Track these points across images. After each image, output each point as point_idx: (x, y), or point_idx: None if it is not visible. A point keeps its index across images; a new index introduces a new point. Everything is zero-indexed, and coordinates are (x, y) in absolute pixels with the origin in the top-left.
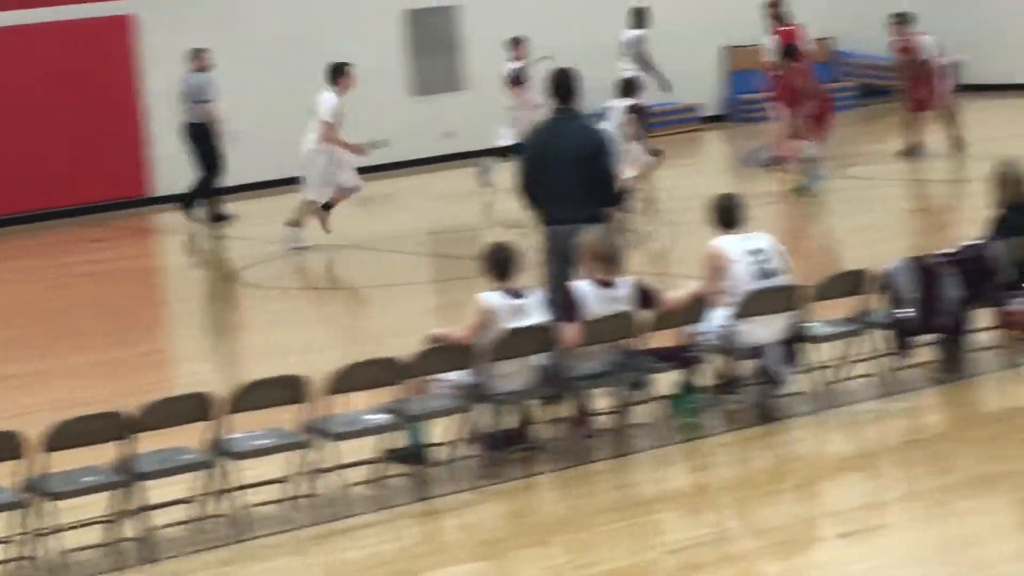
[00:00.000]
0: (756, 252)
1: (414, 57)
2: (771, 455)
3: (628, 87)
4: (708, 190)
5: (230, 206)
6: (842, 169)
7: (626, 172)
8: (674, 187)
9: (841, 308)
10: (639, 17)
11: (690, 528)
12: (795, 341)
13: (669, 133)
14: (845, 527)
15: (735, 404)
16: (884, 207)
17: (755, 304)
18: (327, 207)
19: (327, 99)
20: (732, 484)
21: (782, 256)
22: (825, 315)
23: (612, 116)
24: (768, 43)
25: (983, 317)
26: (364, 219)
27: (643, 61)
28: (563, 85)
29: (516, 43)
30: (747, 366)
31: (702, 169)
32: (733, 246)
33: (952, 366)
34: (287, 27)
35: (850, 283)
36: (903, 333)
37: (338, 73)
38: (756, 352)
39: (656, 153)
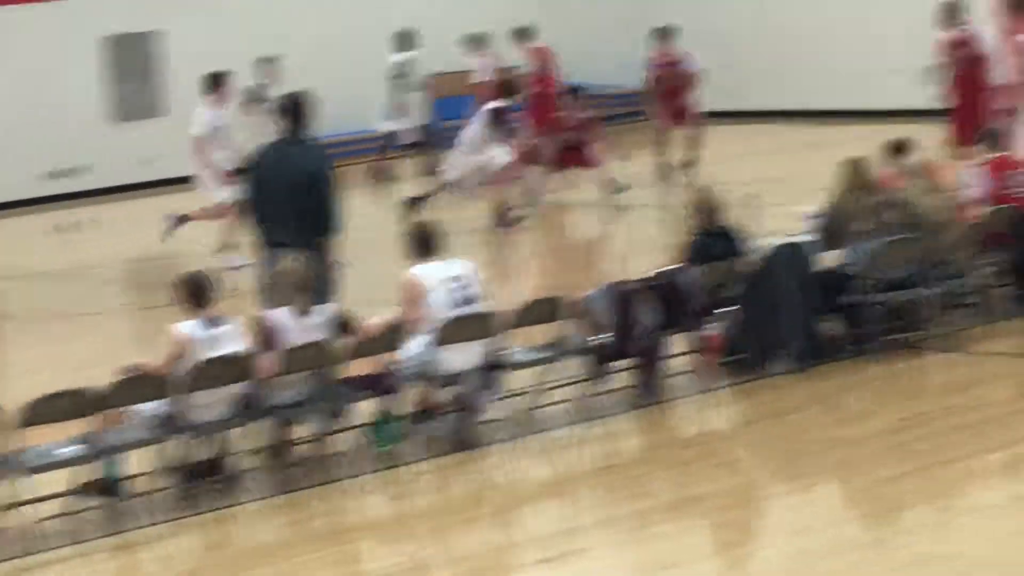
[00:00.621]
0: (454, 279)
1: (114, 83)
2: (470, 482)
3: (504, 88)
4: (411, 217)
5: None
6: (550, 195)
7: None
8: (376, 213)
9: (539, 334)
10: (405, 40)
11: (389, 556)
12: (493, 368)
13: (371, 160)
14: (544, 553)
15: (434, 432)
16: (587, 233)
17: (453, 331)
18: (184, 219)
19: (199, 113)
20: (431, 512)
21: (480, 283)
22: (523, 342)
23: (478, 118)
24: (477, 68)
25: (678, 342)
26: (62, 246)
27: (400, 85)
28: (292, 109)
29: (266, 63)
30: (446, 393)
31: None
32: (431, 274)
33: (648, 391)
34: None
35: (548, 309)
36: (600, 359)
37: (213, 84)
38: (454, 379)
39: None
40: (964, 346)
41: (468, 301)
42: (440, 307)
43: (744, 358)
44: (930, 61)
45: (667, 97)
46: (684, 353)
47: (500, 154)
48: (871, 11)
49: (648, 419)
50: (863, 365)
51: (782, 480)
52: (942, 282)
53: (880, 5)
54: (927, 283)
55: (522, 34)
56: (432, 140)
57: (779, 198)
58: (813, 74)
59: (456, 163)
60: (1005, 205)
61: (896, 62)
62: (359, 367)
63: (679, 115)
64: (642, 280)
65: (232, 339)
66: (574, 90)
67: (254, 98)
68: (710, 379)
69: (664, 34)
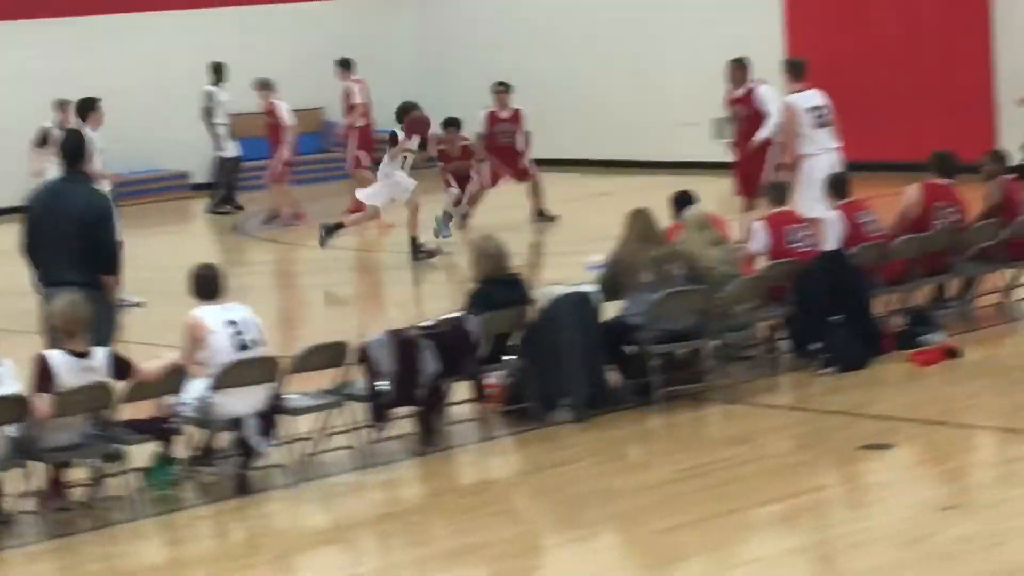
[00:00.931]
0: (235, 323)
1: None
2: (247, 528)
3: (401, 112)
4: (195, 259)
5: None
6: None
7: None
8: (160, 255)
9: (320, 380)
10: (216, 72)
11: None
12: (273, 413)
13: (159, 200)
14: None
15: (212, 476)
16: (366, 278)
17: (233, 375)
18: None
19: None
20: (208, 557)
21: (257, 328)
22: (304, 387)
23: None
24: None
25: (460, 390)
26: None
27: (208, 116)
28: (71, 147)
29: (61, 105)
30: (224, 438)
31: (191, 237)
32: (212, 316)
33: (429, 439)
34: None
35: (329, 355)
36: (381, 406)
37: (87, 108)
38: (234, 424)
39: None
40: (744, 398)
41: (248, 345)
42: (220, 350)
43: (526, 407)
44: (718, 114)
45: (500, 153)
46: (466, 401)
47: (405, 179)
48: (661, 64)
49: (429, 467)
50: (644, 416)
51: (561, 529)
52: (723, 334)
53: (669, 59)
54: (708, 335)
55: (345, 65)
56: (229, 175)
57: (565, 246)
58: (602, 124)
59: (373, 193)
60: (786, 259)
61: (685, 115)
62: (137, 410)
63: (515, 172)
64: (423, 327)
65: (6, 380)
66: (453, 122)
67: (47, 139)
68: (492, 427)
69: (503, 89)
